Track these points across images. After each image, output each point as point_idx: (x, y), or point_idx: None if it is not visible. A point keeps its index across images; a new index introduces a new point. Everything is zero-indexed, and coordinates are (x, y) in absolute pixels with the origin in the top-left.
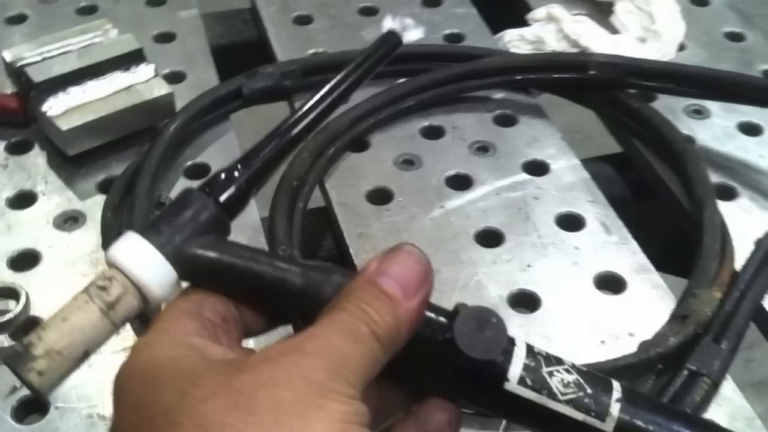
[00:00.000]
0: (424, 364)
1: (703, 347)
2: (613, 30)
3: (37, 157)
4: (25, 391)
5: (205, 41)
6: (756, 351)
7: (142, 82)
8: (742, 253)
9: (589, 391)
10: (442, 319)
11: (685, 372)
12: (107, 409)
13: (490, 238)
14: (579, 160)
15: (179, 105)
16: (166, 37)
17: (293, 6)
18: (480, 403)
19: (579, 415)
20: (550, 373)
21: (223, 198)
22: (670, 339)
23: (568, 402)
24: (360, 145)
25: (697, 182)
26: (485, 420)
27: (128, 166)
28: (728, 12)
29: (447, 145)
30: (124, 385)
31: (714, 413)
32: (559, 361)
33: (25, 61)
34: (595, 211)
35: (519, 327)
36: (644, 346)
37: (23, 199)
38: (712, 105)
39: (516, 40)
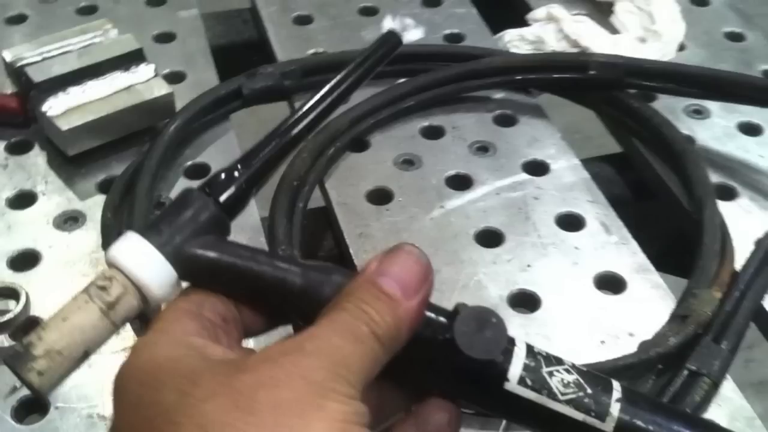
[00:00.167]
0: (424, 364)
1: (703, 347)
2: (613, 30)
3: (37, 157)
4: (25, 391)
5: (205, 41)
6: (756, 351)
7: (142, 82)
8: (742, 253)
9: (589, 391)
10: (442, 319)
11: (685, 372)
12: (107, 409)
13: (490, 238)
14: (579, 160)
15: (179, 105)
16: (166, 37)
17: (293, 6)
18: (480, 403)
19: (579, 415)
20: (550, 373)
21: (223, 198)
22: (670, 339)
23: (568, 402)
24: (360, 145)
25: (697, 182)
26: (485, 420)
27: (128, 166)
28: (728, 12)
29: (447, 145)
30: (124, 385)
31: (714, 413)
32: (559, 361)
33: (25, 61)
34: (595, 211)
35: (519, 327)
36: (644, 346)
37: (23, 199)
38: (712, 105)
39: (516, 40)
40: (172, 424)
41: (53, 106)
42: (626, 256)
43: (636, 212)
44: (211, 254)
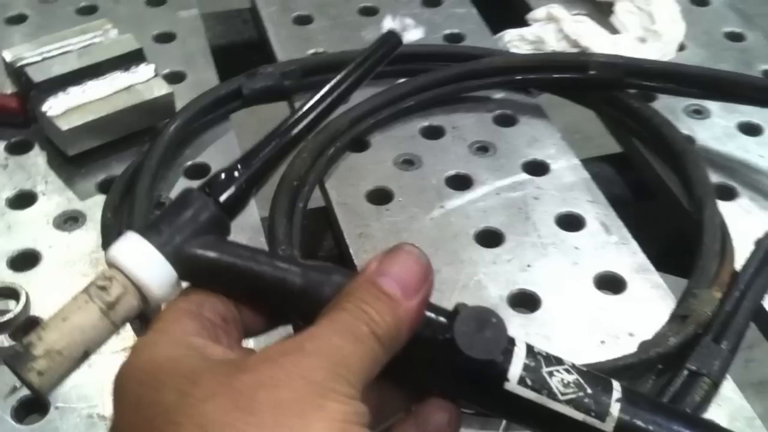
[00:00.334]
0: (424, 364)
1: (703, 347)
2: (613, 30)
3: (37, 157)
4: (25, 391)
5: (205, 41)
6: (756, 351)
7: (142, 82)
8: (742, 253)
9: (589, 391)
10: (442, 319)
11: (685, 372)
12: (107, 409)
13: (490, 238)
14: (579, 160)
15: (179, 105)
16: (166, 37)
17: (293, 6)
18: (480, 403)
19: (579, 415)
20: (550, 373)
21: (223, 198)
22: (670, 339)
23: (568, 402)
24: (360, 145)
25: (697, 182)
26: (485, 420)
27: (128, 166)
28: (728, 12)
29: (447, 145)
30: (124, 385)
31: (714, 413)
32: (559, 361)
33: (25, 61)
34: (595, 211)
35: (519, 327)
36: (644, 346)
37: (23, 199)
38: (712, 105)
39: (516, 40)
40: (172, 424)
41: (53, 106)
42: (626, 256)
43: (636, 212)
44: (211, 254)
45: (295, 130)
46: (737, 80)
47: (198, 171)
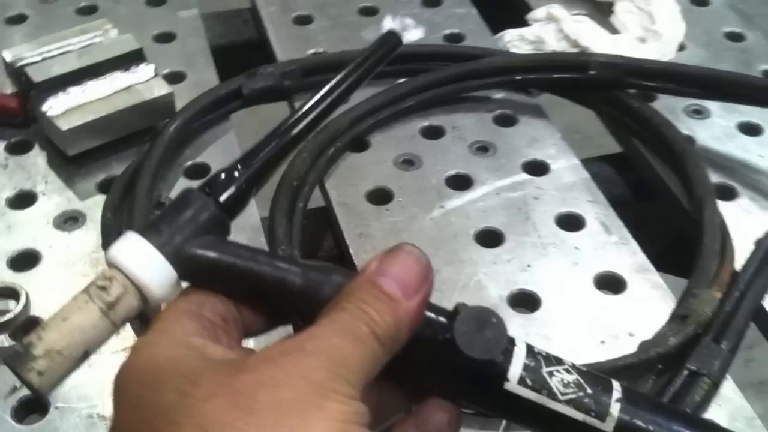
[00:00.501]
0: (424, 364)
1: (703, 347)
2: (613, 30)
3: (37, 157)
4: (25, 391)
5: (205, 41)
6: (756, 351)
7: (142, 82)
8: (742, 253)
9: (589, 391)
10: (442, 319)
11: (685, 372)
12: (107, 409)
13: (490, 238)
14: (579, 160)
15: (179, 105)
16: (166, 37)
17: (293, 6)
18: (480, 403)
19: (579, 415)
20: (550, 373)
21: (223, 198)
22: (670, 339)
23: (568, 402)
24: (360, 145)
25: (697, 182)
26: (485, 420)
27: (128, 166)
28: (728, 12)
29: (447, 145)
30: (124, 385)
31: (714, 413)
32: (559, 361)
33: (25, 61)
34: (595, 211)
35: (519, 327)
36: (644, 346)
37: (23, 199)
38: (712, 105)
39: (516, 40)
40: (172, 424)
41: (53, 106)
42: (626, 256)
43: (636, 212)
44: (211, 254)
45: (295, 130)
46: (737, 80)
47: (198, 171)
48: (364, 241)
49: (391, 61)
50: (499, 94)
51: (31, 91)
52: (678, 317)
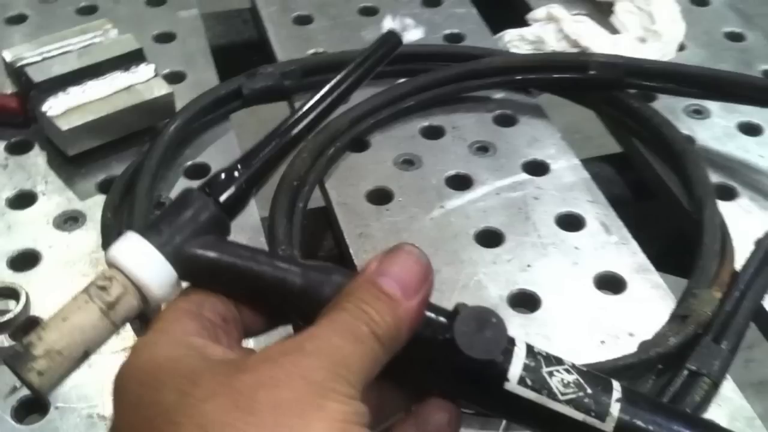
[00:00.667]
0: (424, 364)
1: (703, 347)
2: (613, 30)
3: (37, 157)
4: (25, 391)
5: (205, 41)
6: (756, 351)
7: (142, 82)
8: (742, 253)
9: (589, 391)
10: (442, 319)
11: (685, 372)
12: (107, 409)
13: (490, 238)
14: (579, 160)
15: (179, 105)
16: (166, 37)
17: (293, 6)
18: (480, 403)
19: (579, 415)
20: (550, 373)
21: (223, 198)
22: (670, 339)
23: (568, 402)
24: (360, 145)
25: (697, 182)
26: (485, 420)
27: (128, 166)
28: (728, 12)
29: (447, 145)
30: (124, 385)
31: (714, 413)
32: (559, 361)
33: (25, 61)
34: (595, 211)
35: (519, 327)
36: (644, 346)
37: (23, 199)
38: (712, 105)
39: (516, 40)
40: (172, 424)
41: (53, 106)
42: (626, 256)
43: (636, 212)
44: (211, 254)
45: (295, 130)
46: (737, 80)
47: (198, 171)
48: (364, 241)
49: (391, 61)
50: (499, 94)
51: (31, 91)
52: (678, 317)
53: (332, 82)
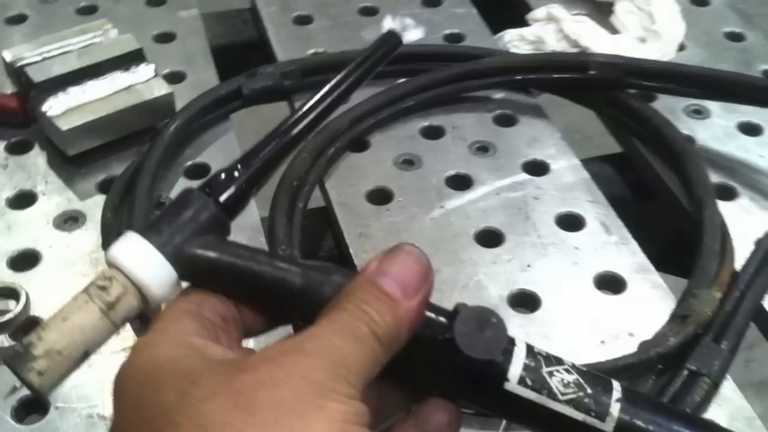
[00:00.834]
0: (424, 364)
1: (703, 347)
2: (613, 30)
3: (37, 157)
4: (25, 391)
5: (205, 41)
6: (756, 351)
7: (142, 82)
8: (742, 253)
9: (589, 391)
10: (442, 319)
11: (685, 372)
12: (107, 409)
13: (490, 238)
14: (579, 160)
15: (179, 105)
16: (166, 37)
17: (293, 6)
18: (480, 403)
19: (579, 415)
20: (550, 373)
21: (223, 198)
22: (670, 339)
23: (568, 402)
24: (360, 145)
25: (697, 182)
26: (485, 420)
27: (128, 166)
28: (728, 12)
29: (447, 145)
30: (124, 385)
31: (714, 413)
32: (559, 361)
33: (25, 61)
34: (595, 211)
35: (519, 327)
36: (644, 346)
37: (23, 199)
38: (712, 105)
39: (516, 40)
40: (172, 424)
41: (53, 106)
42: (626, 256)
43: (636, 212)
44: (211, 254)
45: (295, 130)
46: (737, 80)
47: (198, 171)
48: (364, 241)
49: (391, 61)
50: (499, 94)
51: (31, 91)
52: (678, 317)
53: (332, 82)
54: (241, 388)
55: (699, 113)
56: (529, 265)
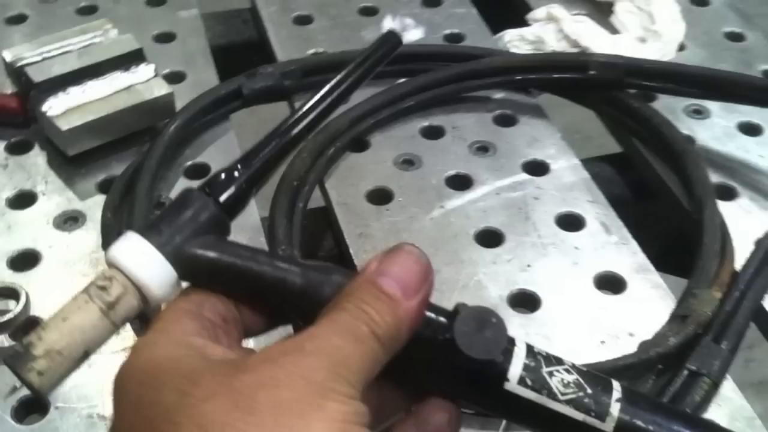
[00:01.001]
0: (424, 364)
1: (703, 347)
2: (613, 30)
3: (37, 157)
4: (25, 391)
5: (205, 41)
6: (756, 351)
7: (142, 82)
8: (742, 253)
9: (589, 391)
10: (442, 319)
11: (685, 372)
12: (107, 409)
13: (490, 238)
14: (579, 160)
15: (179, 105)
16: (166, 37)
17: (293, 6)
18: (480, 403)
19: (579, 415)
20: (550, 373)
21: (223, 198)
22: (670, 339)
23: (568, 402)
24: (360, 145)
25: (697, 182)
26: (485, 420)
27: (128, 166)
28: (728, 12)
29: (447, 145)
30: (124, 385)
31: (714, 413)
32: (559, 361)
33: (25, 61)
34: (595, 211)
35: (519, 327)
36: (644, 346)
37: (23, 199)
38: (712, 105)
39: (516, 40)
40: (172, 424)
41: (53, 106)
42: (626, 256)
43: (636, 212)
44: (211, 254)
45: (295, 130)
46: (737, 80)
47: (198, 171)
48: (364, 241)
49: (391, 61)
50: (499, 94)
51: (31, 91)
52: (678, 317)
53: (332, 82)
54: (241, 388)
55: (699, 113)
56: (529, 265)
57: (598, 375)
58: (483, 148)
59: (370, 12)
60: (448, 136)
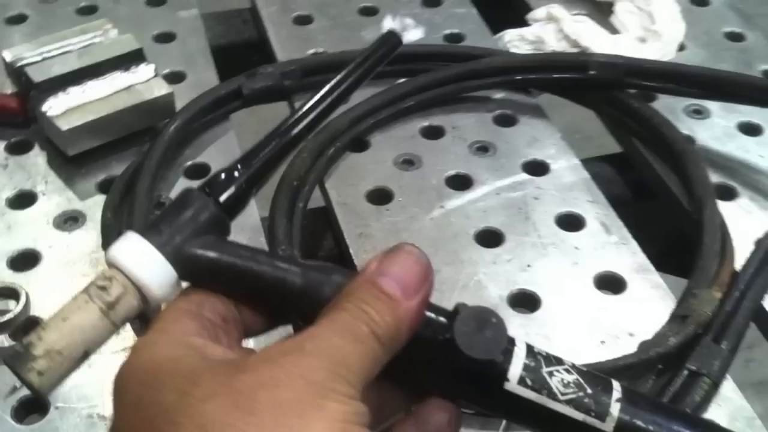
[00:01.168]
0: (424, 364)
1: (703, 347)
2: (613, 30)
3: (37, 157)
4: (25, 391)
5: (205, 41)
6: (756, 351)
7: (142, 82)
8: (742, 253)
9: (589, 391)
10: (442, 319)
11: (685, 372)
12: (107, 409)
13: (490, 238)
14: (579, 160)
15: (179, 105)
16: (166, 37)
17: (293, 6)
18: (480, 403)
19: (579, 415)
20: (550, 373)
21: (223, 198)
22: (670, 339)
23: (568, 402)
24: (360, 145)
25: (697, 182)
26: (485, 420)
27: (128, 166)
28: (728, 12)
29: (447, 145)
30: (124, 385)
31: (714, 413)
32: (559, 361)
33: (25, 61)
34: (595, 211)
35: (519, 327)
36: (644, 346)
37: (23, 199)
38: (712, 105)
39: (516, 40)
40: (172, 424)
41: (53, 106)
42: (626, 256)
43: (636, 212)
44: (211, 254)
45: (295, 130)
46: (737, 80)
47: (198, 171)
48: (364, 241)
49: (391, 61)
50: (499, 94)
51: (31, 91)
52: (678, 317)
53: (332, 82)
54: (241, 388)
55: (699, 113)
56: (529, 265)
57: (598, 375)
58: (483, 148)
59: (370, 12)
60: (448, 136)
